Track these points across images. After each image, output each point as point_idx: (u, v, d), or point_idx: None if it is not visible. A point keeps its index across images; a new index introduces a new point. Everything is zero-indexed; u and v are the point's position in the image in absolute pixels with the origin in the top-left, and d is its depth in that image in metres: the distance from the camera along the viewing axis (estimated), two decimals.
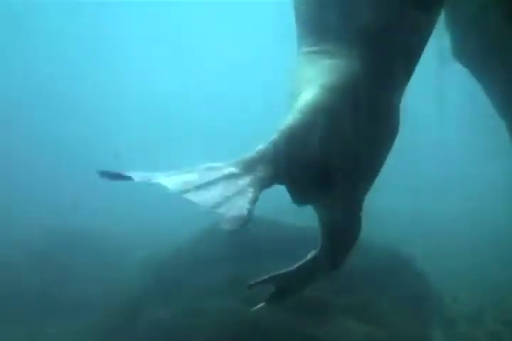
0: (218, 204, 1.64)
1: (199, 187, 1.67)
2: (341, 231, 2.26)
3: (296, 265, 2.35)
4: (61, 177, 15.10)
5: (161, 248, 6.43)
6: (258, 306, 2.39)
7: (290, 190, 1.94)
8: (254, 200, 1.67)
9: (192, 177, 1.71)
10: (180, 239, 6.30)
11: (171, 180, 1.69)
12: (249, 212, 1.68)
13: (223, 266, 5.32)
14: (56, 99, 21.43)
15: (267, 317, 4.54)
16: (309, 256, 2.39)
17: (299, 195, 1.98)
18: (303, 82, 2.07)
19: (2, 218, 9.24)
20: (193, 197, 1.64)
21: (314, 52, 2.16)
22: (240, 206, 1.68)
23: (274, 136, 1.81)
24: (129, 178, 1.66)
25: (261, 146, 1.77)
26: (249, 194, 1.70)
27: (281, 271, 2.28)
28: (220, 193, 1.67)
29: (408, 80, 2.29)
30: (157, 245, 6.79)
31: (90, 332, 5.37)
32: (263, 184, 1.73)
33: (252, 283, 2.21)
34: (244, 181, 1.71)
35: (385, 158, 2.20)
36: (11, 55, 22.10)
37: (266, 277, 2.23)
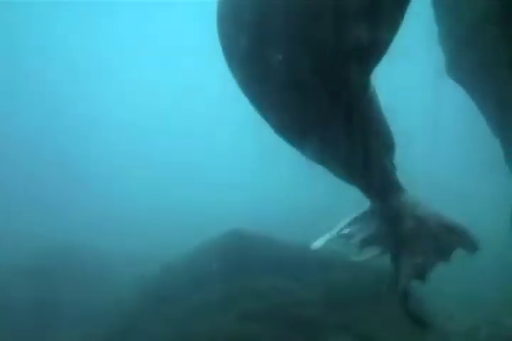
0: None
1: None
2: None
3: None
4: (55, 190, 15.03)
5: (156, 264, 6.41)
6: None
7: None
8: None
9: None
10: (176, 255, 6.28)
11: None
12: None
13: (218, 282, 5.30)
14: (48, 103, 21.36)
15: (261, 334, 4.52)
16: None
17: None
18: None
19: None
20: None
21: None
22: None
23: None
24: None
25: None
26: None
27: None
28: None
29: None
30: (153, 261, 6.77)
31: None
32: None
33: None
34: None
35: None
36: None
37: None
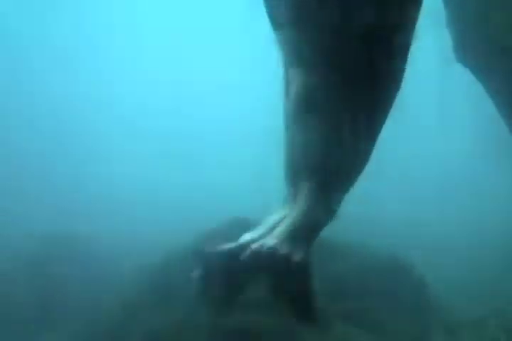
0: None
1: None
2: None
3: None
4: (54, 182, 15.02)
5: (156, 254, 6.37)
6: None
7: None
8: None
9: None
10: (176, 244, 6.23)
11: None
12: None
13: None
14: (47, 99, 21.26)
15: (263, 325, 4.47)
16: None
17: None
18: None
19: None
20: None
21: None
22: None
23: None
24: None
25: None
26: None
27: None
28: None
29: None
30: (153, 251, 6.74)
31: None
32: None
33: None
34: None
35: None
36: None
37: None
